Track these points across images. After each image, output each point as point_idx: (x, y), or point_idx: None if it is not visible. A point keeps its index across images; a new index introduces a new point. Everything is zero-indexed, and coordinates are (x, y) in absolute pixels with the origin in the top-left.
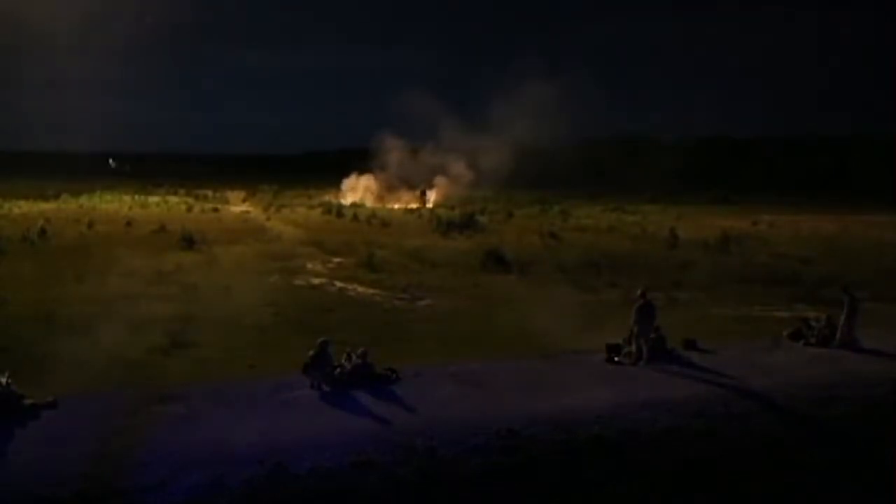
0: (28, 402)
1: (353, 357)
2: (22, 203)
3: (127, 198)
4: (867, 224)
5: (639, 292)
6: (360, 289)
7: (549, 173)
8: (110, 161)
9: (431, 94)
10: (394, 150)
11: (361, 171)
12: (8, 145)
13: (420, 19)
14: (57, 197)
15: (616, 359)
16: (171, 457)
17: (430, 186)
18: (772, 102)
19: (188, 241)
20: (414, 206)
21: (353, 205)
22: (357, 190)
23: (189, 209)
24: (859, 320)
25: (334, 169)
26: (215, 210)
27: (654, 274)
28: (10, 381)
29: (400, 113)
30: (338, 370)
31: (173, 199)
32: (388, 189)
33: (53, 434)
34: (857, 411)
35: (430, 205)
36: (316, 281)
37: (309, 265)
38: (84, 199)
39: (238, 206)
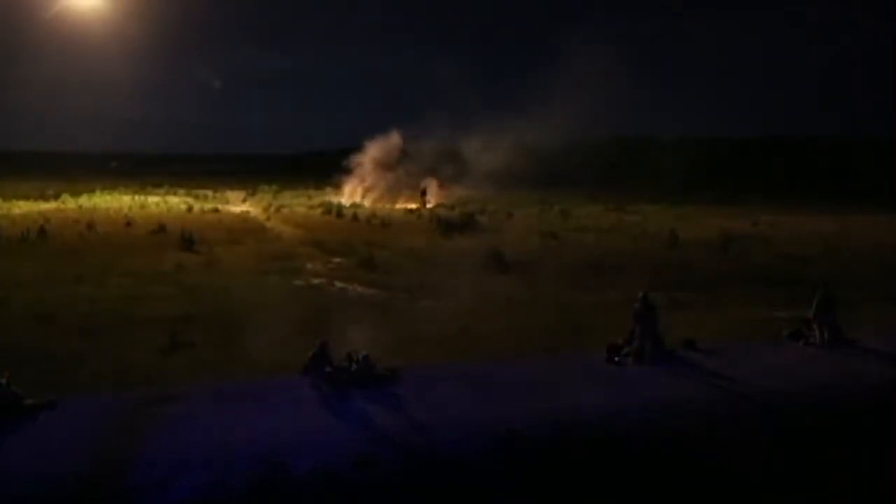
0: (27, 402)
1: (354, 357)
2: (22, 203)
3: (126, 198)
4: (867, 224)
5: (640, 295)
6: (360, 289)
7: (549, 173)
8: (112, 163)
9: (431, 95)
10: (396, 147)
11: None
12: (8, 145)
13: (419, 20)
14: (57, 197)
15: (616, 359)
16: (171, 457)
17: (435, 185)
18: (772, 102)
19: (188, 242)
20: (414, 206)
21: (353, 205)
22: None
23: (189, 209)
24: (834, 317)
25: (334, 169)
26: (215, 210)
27: (655, 274)
28: (8, 381)
29: (399, 113)
30: (339, 370)
31: (173, 200)
32: (390, 189)
33: (52, 434)
34: (857, 411)
35: (430, 205)
36: (316, 281)
37: (309, 265)
38: (84, 200)
39: (238, 206)
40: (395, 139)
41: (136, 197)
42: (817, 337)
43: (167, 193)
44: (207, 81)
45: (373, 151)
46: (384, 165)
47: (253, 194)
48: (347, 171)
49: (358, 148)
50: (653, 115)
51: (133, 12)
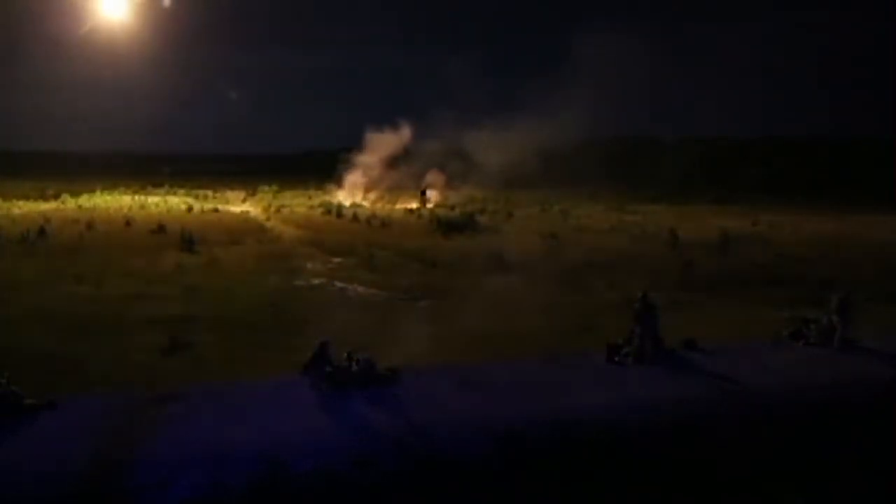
0: (27, 402)
1: (354, 357)
2: (22, 203)
3: (127, 198)
4: (867, 224)
5: (640, 294)
6: (360, 289)
7: (550, 173)
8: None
9: (432, 94)
10: (398, 143)
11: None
12: (8, 145)
13: (418, 20)
14: (57, 197)
15: (616, 359)
16: (171, 457)
17: (439, 183)
18: (772, 102)
19: (188, 242)
20: (414, 206)
21: (354, 205)
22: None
23: (189, 209)
24: (851, 319)
25: (334, 169)
26: (215, 210)
27: (655, 274)
28: (9, 381)
29: (399, 113)
30: (339, 370)
31: (173, 200)
32: (391, 188)
33: (52, 434)
34: (858, 412)
35: (430, 205)
36: (316, 281)
37: (309, 265)
38: (84, 200)
39: (238, 206)
40: (405, 132)
41: (136, 197)
42: (835, 339)
43: (167, 193)
44: (223, 92)
45: (379, 146)
46: (388, 162)
47: (253, 194)
48: (349, 168)
49: (359, 147)
50: (653, 115)
51: (149, 20)
